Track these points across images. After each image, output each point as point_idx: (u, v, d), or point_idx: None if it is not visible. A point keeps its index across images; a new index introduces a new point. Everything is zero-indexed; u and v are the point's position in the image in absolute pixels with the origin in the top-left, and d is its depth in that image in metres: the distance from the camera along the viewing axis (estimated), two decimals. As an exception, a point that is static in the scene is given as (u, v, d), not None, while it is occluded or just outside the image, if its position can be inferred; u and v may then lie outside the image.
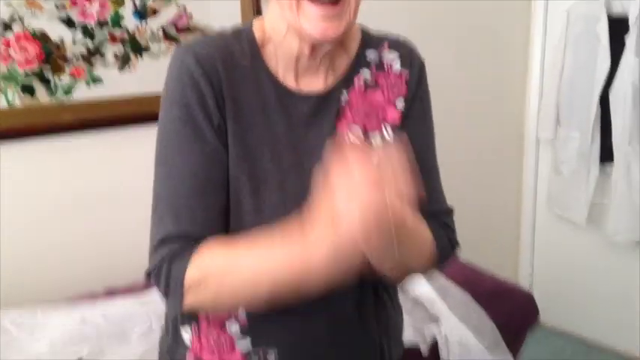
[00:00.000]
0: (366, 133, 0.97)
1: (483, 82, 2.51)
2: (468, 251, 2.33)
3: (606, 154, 2.35)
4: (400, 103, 1.00)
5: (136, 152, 1.68)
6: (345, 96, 0.97)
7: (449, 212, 1.06)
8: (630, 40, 2.19)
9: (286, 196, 0.91)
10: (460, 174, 2.50)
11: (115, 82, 1.68)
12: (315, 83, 0.96)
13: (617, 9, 2.27)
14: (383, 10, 2.00)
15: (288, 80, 0.94)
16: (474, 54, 2.45)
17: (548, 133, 2.55)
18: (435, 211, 1.01)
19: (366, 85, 0.98)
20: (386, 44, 1.02)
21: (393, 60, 1.01)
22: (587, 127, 2.36)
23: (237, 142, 0.90)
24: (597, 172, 2.38)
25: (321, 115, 0.95)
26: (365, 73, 0.99)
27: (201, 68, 0.88)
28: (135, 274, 1.54)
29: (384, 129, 0.98)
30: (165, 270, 0.86)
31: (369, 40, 1.02)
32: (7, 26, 1.49)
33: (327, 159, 0.92)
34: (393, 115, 0.99)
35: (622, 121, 2.25)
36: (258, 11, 1.89)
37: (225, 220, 0.91)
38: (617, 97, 2.26)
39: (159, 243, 0.87)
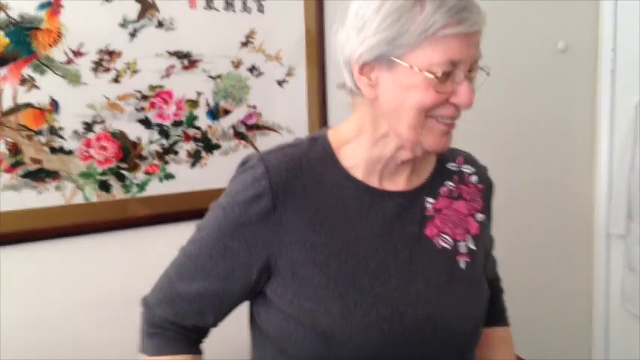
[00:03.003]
0: (455, 242, 0.98)
1: (549, 176, 2.47)
2: (540, 349, 2.24)
3: (684, 253, 2.23)
4: (479, 216, 1.02)
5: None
6: (430, 203, 0.99)
7: (500, 278, 1.27)
8: None
9: (376, 299, 0.90)
10: (527, 274, 2.43)
11: (186, 178, 1.74)
12: (397, 184, 0.98)
13: (688, 104, 2.22)
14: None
15: (370, 181, 0.96)
16: (539, 147, 2.43)
17: (619, 229, 2.45)
18: (496, 279, 1.24)
19: (452, 196, 1.00)
20: (461, 158, 1.05)
21: (471, 174, 1.04)
22: (661, 223, 2.27)
23: (318, 250, 0.91)
24: (675, 271, 2.26)
25: (405, 216, 0.97)
26: (449, 184, 1.02)
27: (268, 180, 0.90)
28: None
29: (467, 239, 1.00)
30: (151, 333, 0.99)
31: (445, 153, 1.04)
32: (89, 127, 1.58)
33: (416, 261, 0.93)
34: (474, 226, 1.02)
35: (700, 219, 2.16)
36: (323, 111, 1.95)
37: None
38: (693, 194, 2.17)
39: (157, 304, 1.00)
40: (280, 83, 1.88)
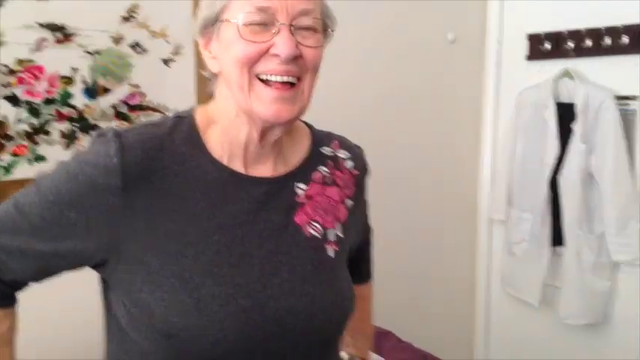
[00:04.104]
0: (325, 230, 0.95)
1: (436, 163, 2.54)
2: (424, 331, 2.31)
3: (558, 237, 2.37)
4: (349, 202, 1.00)
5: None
6: (301, 189, 0.95)
7: (371, 230, 1.24)
8: (577, 127, 2.26)
9: (235, 290, 0.85)
10: (414, 256, 2.50)
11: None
12: (263, 170, 0.93)
13: (564, 97, 2.35)
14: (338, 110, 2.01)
15: (235, 166, 0.91)
16: (427, 135, 2.49)
17: (500, 215, 2.58)
18: (368, 233, 1.21)
19: (324, 182, 0.97)
20: (336, 142, 1.03)
21: (346, 159, 1.01)
22: (538, 209, 2.40)
23: (173, 238, 0.85)
24: (549, 254, 2.39)
25: (273, 203, 0.92)
26: (322, 170, 0.98)
27: (120, 158, 0.83)
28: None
29: (336, 227, 0.98)
30: None
31: (320, 137, 1.02)
32: (-53, 103, 1.43)
33: (282, 250, 0.89)
34: (344, 213, 1.00)
35: (571, 205, 2.30)
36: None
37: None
38: (566, 182, 2.31)
39: None
40: (166, 62, 1.79)
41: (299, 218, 0.93)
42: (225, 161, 0.90)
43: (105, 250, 0.86)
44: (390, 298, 2.41)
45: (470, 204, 2.72)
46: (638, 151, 2.23)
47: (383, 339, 1.94)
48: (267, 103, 0.85)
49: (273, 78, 0.84)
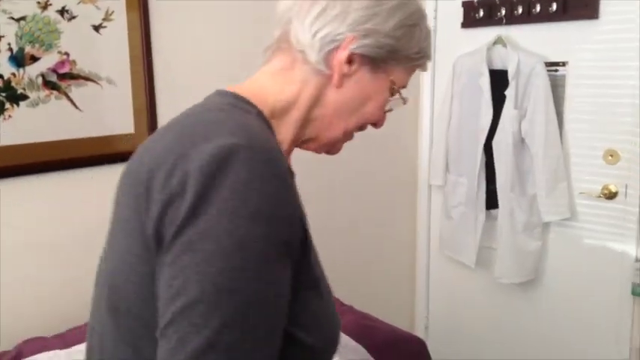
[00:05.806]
0: None
1: (377, 129, 2.57)
2: (366, 293, 2.37)
3: (492, 200, 2.46)
4: None
5: (10, 208, 1.57)
6: None
7: None
8: (509, 93, 2.33)
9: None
10: (356, 222, 2.54)
11: (-13, 132, 1.57)
12: None
13: (498, 63, 2.41)
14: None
15: None
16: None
17: (438, 180, 2.64)
18: None
19: None
20: None
21: None
22: (473, 174, 2.47)
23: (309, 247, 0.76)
24: (484, 217, 2.48)
25: None
26: None
27: (287, 170, 0.70)
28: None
29: None
30: None
31: None
32: None
33: None
34: None
35: (505, 169, 2.38)
36: (149, 59, 1.84)
37: None
38: (499, 146, 2.38)
39: None
40: (97, 29, 1.74)
41: None
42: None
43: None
44: (331, 262, 2.46)
45: (410, 170, 2.77)
46: (566, 115, 2.32)
47: (325, 303, 1.98)
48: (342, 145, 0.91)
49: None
